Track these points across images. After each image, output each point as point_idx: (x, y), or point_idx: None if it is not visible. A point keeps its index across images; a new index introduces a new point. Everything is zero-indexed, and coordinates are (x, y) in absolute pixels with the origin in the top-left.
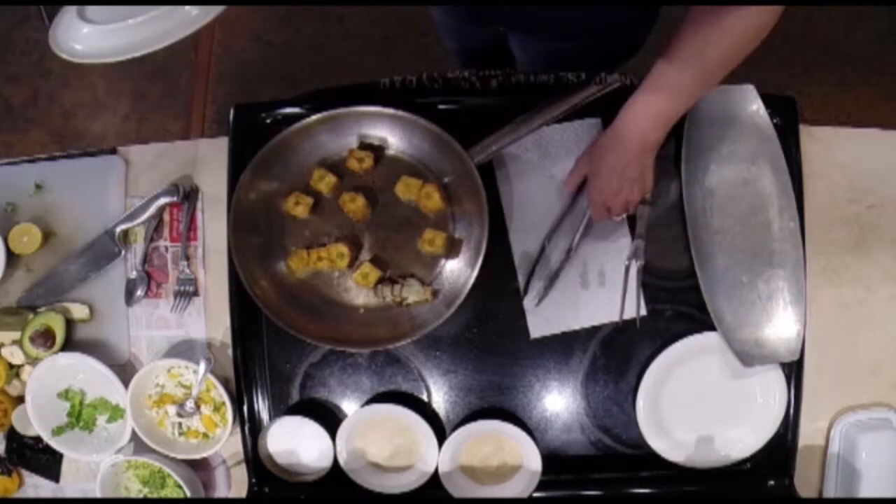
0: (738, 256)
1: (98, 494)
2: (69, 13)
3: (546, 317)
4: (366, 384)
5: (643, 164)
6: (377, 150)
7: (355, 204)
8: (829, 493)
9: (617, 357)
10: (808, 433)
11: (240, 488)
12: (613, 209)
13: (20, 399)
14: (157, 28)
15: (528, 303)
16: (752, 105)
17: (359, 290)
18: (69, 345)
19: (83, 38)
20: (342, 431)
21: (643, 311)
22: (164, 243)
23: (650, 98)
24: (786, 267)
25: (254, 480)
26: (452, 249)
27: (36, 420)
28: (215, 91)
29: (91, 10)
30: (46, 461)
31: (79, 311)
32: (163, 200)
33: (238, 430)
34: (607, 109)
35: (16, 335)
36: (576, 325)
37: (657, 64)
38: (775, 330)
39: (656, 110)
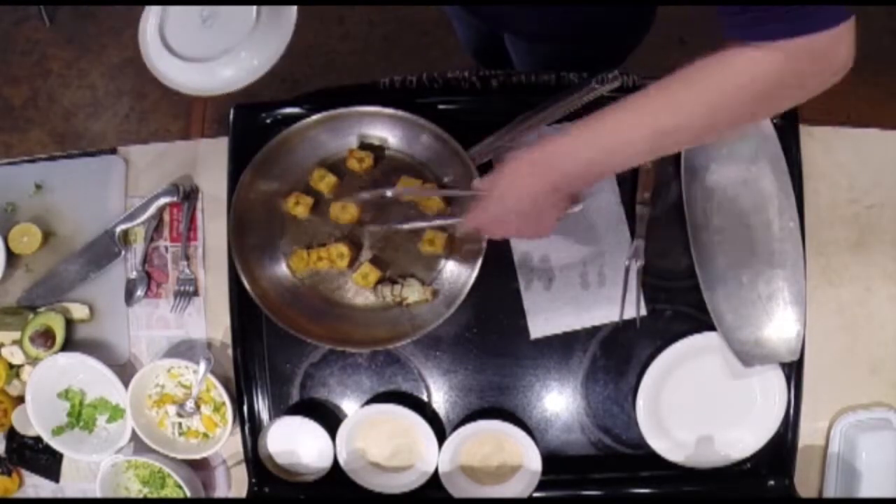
0: (738, 256)
1: (98, 494)
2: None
3: (546, 317)
4: (366, 384)
5: (550, 210)
6: (377, 150)
7: (346, 213)
8: (829, 493)
9: (617, 357)
10: (808, 433)
11: (240, 488)
12: (486, 233)
13: (20, 399)
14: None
15: (528, 302)
16: None
17: (359, 290)
18: (69, 345)
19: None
20: (342, 431)
21: (643, 311)
22: (164, 243)
23: (596, 140)
24: (786, 267)
25: (254, 480)
26: (452, 249)
27: (36, 420)
28: None
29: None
30: (46, 461)
31: (79, 311)
32: (163, 200)
33: (238, 430)
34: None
35: (16, 335)
36: (576, 325)
37: (621, 104)
38: (775, 330)
39: (595, 158)
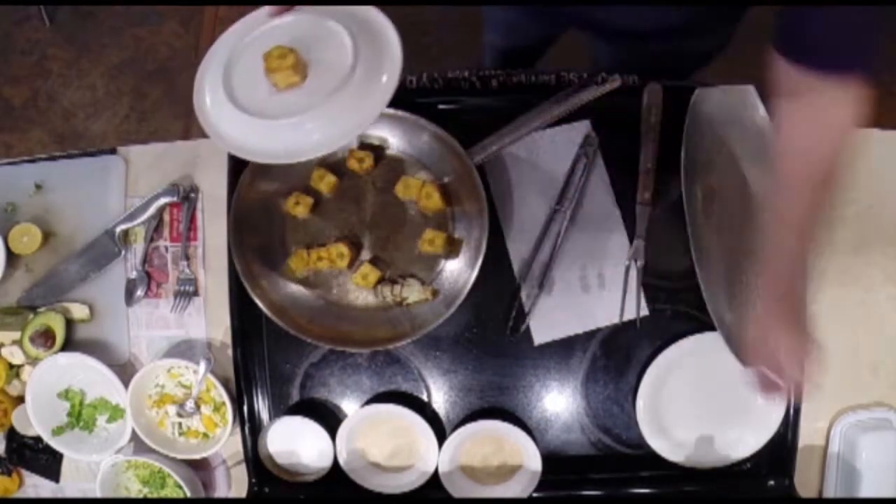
0: (738, 256)
1: (98, 494)
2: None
3: (548, 323)
4: (366, 384)
5: (772, 330)
6: (377, 150)
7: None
8: (829, 493)
9: (617, 357)
10: (808, 433)
11: (240, 488)
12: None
13: (20, 399)
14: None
15: (528, 307)
16: (752, 105)
17: (359, 290)
18: (69, 345)
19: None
20: (342, 431)
21: (643, 312)
22: (164, 243)
23: (777, 241)
24: None
25: (254, 480)
26: (452, 249)
27: (36, 420)
28: None
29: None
30: (46, 461)
31: (79, 311)
32: (163, 200)
33: (238, 430)
34: (600, 111)
35: (16, 335)
36: (578, 328)
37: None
38: None
39: (786, 254)
